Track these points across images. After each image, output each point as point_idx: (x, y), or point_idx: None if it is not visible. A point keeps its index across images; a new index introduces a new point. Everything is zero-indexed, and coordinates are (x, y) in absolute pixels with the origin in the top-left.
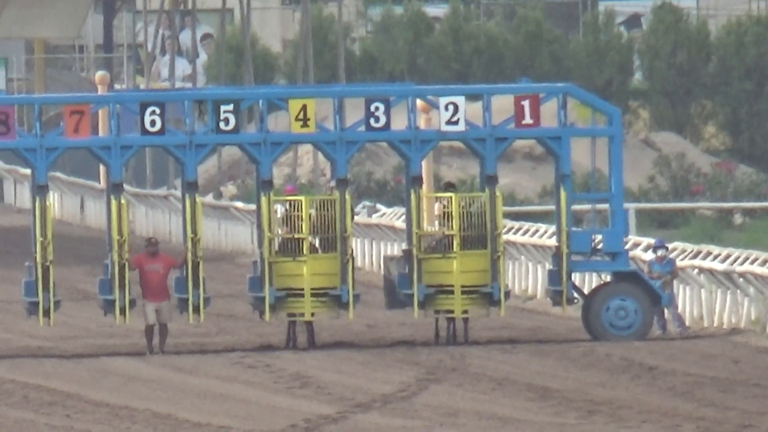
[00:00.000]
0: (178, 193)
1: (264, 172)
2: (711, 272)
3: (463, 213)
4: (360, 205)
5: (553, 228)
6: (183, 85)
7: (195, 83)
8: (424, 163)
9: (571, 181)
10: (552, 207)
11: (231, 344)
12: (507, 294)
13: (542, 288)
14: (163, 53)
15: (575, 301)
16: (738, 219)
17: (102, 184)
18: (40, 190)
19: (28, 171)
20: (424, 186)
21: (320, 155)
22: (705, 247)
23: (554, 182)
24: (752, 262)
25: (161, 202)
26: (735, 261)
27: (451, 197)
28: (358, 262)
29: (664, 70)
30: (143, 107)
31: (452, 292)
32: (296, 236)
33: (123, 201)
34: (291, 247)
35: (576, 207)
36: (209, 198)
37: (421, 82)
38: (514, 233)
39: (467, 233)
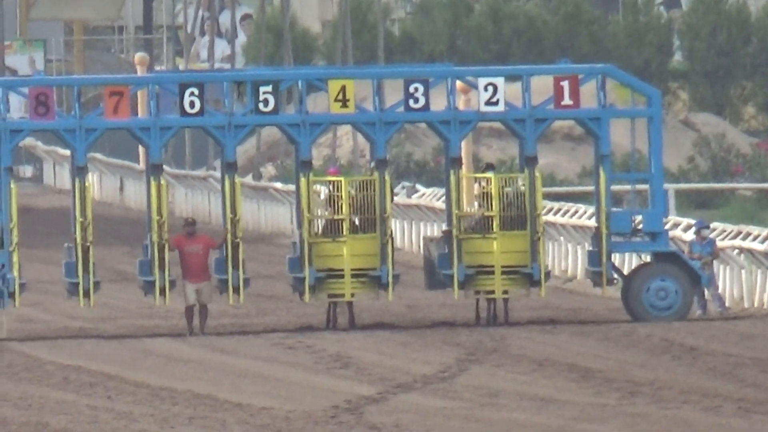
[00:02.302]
0: (218, 174)
1: (303, 152)
2: (751, 252)
3: (502, 193)
4: (399, 186)
5: (592, 209)
6: (222, 66)
7: (234, 64)
8: (463, 144)
9: (610, 161)
10: (591, 188)
11: (271, 325)
12: (547, 274)
13: (582, 268)
14: (203, 34)
15: (615, 281)
16: None
17: (141, 165)
18: (79, 171)
19: (67, 152)
20: (464, 167)
21: (359, 136)
22: (745, 228)
23: (593, 163)
24: None
25: (200, 183)
26: None
27: (490, 178)
28: (398, 243)
29: (704, 51)
30: (182, 88)
31: (492, 273)
32: (336, 217)
33: (162, 182)
34: (333, 228)
35: (615, 187)
36: (248, 179)
37: (460, 63)
38: (554, 214)
39: (507, 214)
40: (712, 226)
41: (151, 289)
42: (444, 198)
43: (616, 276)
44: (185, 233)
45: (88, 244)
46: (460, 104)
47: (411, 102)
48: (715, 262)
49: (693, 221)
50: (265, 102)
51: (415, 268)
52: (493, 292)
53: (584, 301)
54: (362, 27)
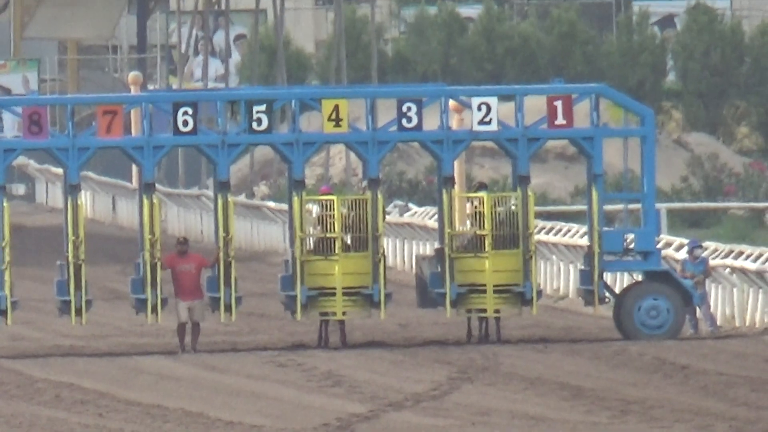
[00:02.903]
0: (211, 192)
1: (296, 171)
2: (743, 271)
3: (494, 213)
4: (392, 205)
5: (584, 228)
6: (216, 85)
7: (228, 83)
8: (456, 164)
9: (603, 181)
10: (584, 207)
11: (263, 343)
12: (539, 293)
13: (574, 287)
14: (197, 54)
15: (607, 300)
16: None
17: (134, 183)
18: (72, 189)
19: (60, 170)
20: (456, 186)
21: (352, 155)
22: (737, 247)
23: (586, 182)
24: None
25: (193, 202)
26: (767, 260)
27: (482, 197)
28: (390, 262)
29: (698, 71)
30: (176, 107)
31: (484, 291)
32: (328, 235)
33: (155, 200)
34: (324, 247)
35: (608, 207)
36: (241, 197)
37: (454, 83)
38: (546, 233)
39: (499, 233)
40: (704, 245)
41: (143, 307)
42: (436, 217)
43: (607, 295)
44: (177, 252)
45: (80, 262)
46: (453, 123)
47: (404, 121)
48: (707, 281)
49: (685, 240)
50: (259, 121)
51: (407, 286)
52: (485, 310)
53: (576, 319)
54: (356, 47)
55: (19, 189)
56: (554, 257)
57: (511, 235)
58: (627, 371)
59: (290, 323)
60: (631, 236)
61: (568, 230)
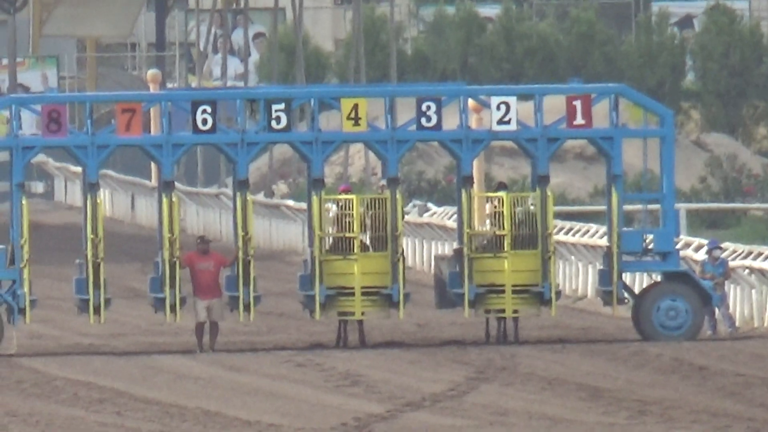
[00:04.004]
0: (229, 191)
1: (315, 170)
2: (762, 272)
3: (513, 213)
4: (411, 204)
5: (604, 228)
6: (235, 83)
7: (247, 82)
8: (475, 163)
9: (622, 181)
10: (603, 207)
11: (281, 343)
12: (558, 294)
13: (593, 288)
14: (215, 52)
15: (626, 301)
16: None
17: (153, 182)
18: (91, 187)
19: (79, 169)
20: (475, 185)
21: (371, 154)
22: (756, 248)
23: (605, 182)
24: None
25: (212, 201)
26: None
27: (502, 197)
28: (409, 261)
29: (717, 71)
30: (195, 106)
31: (503, 292)
32: (347, 235)
33: (174, 199)
34: (342, 246)
35: (627, 207)
36: (260, 196)
37: (472, 82)
38: (565, 233)
39: (518, 233)
40: (722, 246)
41: (161, 305)
42: (455, 217)
43: (626, 295)
44: (199, 250)
45: (99, 260)
46: (473, 123)
47: (423, 120)
48: (726, 282)
49: (704, 241)
50: (278, 120)
51: (425, 286)
52: (503, 311)
53: (594, 320)
54: (375, 45)
55: (38, 187)
56: (573, 257)
57: (530, 236)
58: (645, 372)
59: (309, 323)
60: (650, 237)
61: (587, 230)
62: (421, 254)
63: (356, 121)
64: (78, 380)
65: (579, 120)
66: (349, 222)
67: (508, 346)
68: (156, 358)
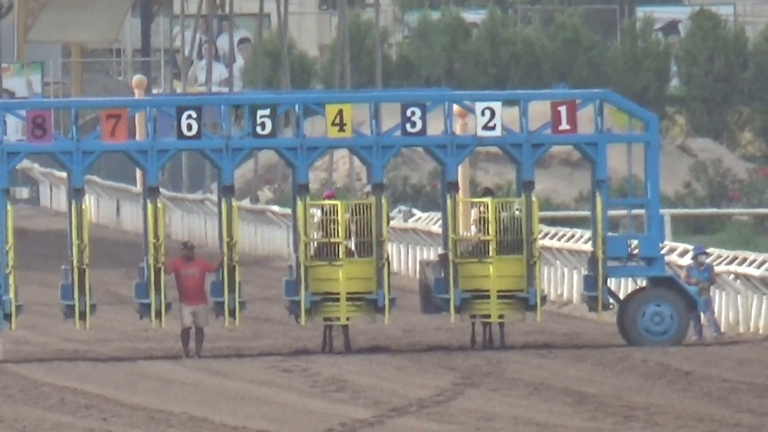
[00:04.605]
0: (215, 197)
1: (300, 176)
2: (747, 278)
3: (499, 218)
4: (396, 210)
5: (588, 233)
6: (220, 89)
7: (232, 87)
8: (460, 169)
9: (607, 186)
10: (588, 212)
11: (267, 348)
12: (543, 299)
13: (578, 293)
14: (200, 57)
15: (611, 306)
16: None
17: (138, 187)
18: (76, 193)
19: (64, 174)
20: (460, 191)
21: (356, 160)
22: (741, 253)
23: (590, 188)
24: None
25: (197, 206)
26: None
27: (487, 202)
28: (394, 267)
29: (702, 77)
30: (180, 111)
31: (488, 297)
32: (332, 240)
33: (159, 205)
34: (327, 252)
35: (612, 212)
36: (245, 202)
37: (457, 88)
38: (551, 238)
39: (503, 238)
40: (708, 251)
41: (147, 311)
42: (440, 222)
43: (611, 301)
44: (183, 256)
45: (84, 266)
46: (457, 128)
47: (408, 126)
48: (711, 287)
49: (689, 246)
50: (263, 125)
51: (411, 292)
52: (489, 316)
53: (580, 325)
54: (360, 51)
55: (23, 192)
56: (558, 263)
57: (515, 241)
58: (631, 377)
59: (294, 328)
60: (635, 242)
61: (572, 236)
62: (407, 260)
63: (341, 126)
64: (64, 386)
65: (564, 125)
66: (334, 227)
67: (493, 352)
68: (142, 363)
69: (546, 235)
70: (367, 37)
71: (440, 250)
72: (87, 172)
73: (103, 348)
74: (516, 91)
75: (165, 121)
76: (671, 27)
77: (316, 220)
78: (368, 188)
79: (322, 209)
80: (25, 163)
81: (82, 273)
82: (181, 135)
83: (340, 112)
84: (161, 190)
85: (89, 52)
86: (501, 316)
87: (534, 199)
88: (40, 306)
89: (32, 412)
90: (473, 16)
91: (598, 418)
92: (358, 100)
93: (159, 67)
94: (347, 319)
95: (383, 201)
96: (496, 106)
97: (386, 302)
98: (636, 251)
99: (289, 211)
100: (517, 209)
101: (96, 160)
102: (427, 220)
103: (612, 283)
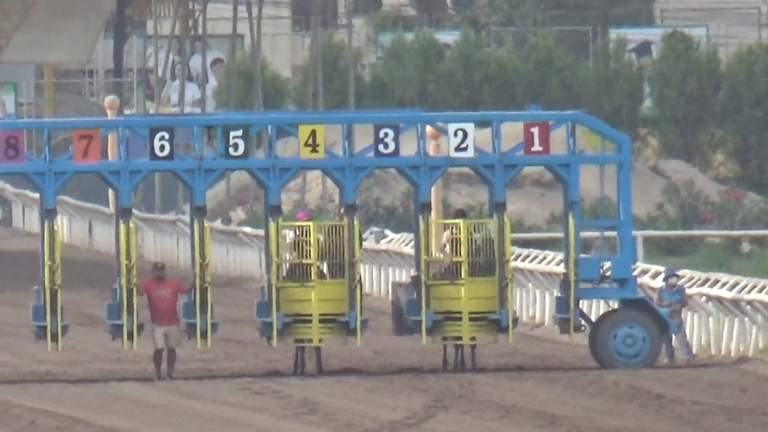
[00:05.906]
0: (187, 217)
1: (272, 197)
2: (719, 300)
3: (471, 239)
4: (368, 231)
5: (561, 255)
6: (192, 110)
7: (204, 108)
8: (433, 190)
9: (579, 207)
10: (560, 234)
11: (238, 370)
12: (515, 321)
13: (550, 315)
14: (173, 78)
15: (583, 328)
16: (746, 247)
17: (110, 208)
18: (48, 214)
19: (36, 195)
20: (433, 212)
21: (329, 181)
22: (713, 275)
23: (563, 209)
24: (760, 290)
25: (170, 227)
26: (743, 289)
27: (459, 224)
28: (366, 288)
29: (674, 98)
30: (152, 132)
31: (460, 319)
32: (304, 262)
33: (131, 225)
34: (299, 273)
35: (584, 234)
36: (218, 223)
37: (431, 109)
38: (522, 260)
39: (475, 260)
40: (680, 273)
41: (119, 332)
42: (413, 244)
43: (583, 323)
44: (155, 277)
45: (56, 287)
46: (431, 150)
47: (381, 147)
48: (683, 309)
49: (661, 268)
50: (235, 146)
51: (383, 313)
52: (460, 338)
53: (552, 347)
54: (333, 72)
55: None
56: (530, 284)
57: (487, 262)
58: (602, 400)
59: (266, 350)
60: (607, 264)
61: (544, 257)
62: (379, 281)
63: (314, 147)
64: (35, 408)
65: (536, 146)
66: (306, 249)
67: (465, 374)
68: (113, 385)
69: (518, 256)
70: (340, 58)
71: (413, 272)
72: (59, 192)
73: (75, 369)
74: (489, 113)
75: (138, 141)
76: (644, 48)
77: (288, 241)
78: (341, 209)
79: (295, 230)
80: None
81: (54, 294)
82: (153, 156)
83: (313, 133)
84: (134, 210)
85: (62, 73)
86: (473, 338)
87: (506, 220)
88: (11, 327)
89: None
90: (446, 38)
91: None
92: (331, 121)
93: (131, 88)
94: (319, 340)
95: (356, 222)
96: (469, 127)
97: (358, 324)
98: (608, 273)
99: (261, 232)
100: (490, 230)
101: (68, 181)
102: (400, 242)
103: (584, 305)
